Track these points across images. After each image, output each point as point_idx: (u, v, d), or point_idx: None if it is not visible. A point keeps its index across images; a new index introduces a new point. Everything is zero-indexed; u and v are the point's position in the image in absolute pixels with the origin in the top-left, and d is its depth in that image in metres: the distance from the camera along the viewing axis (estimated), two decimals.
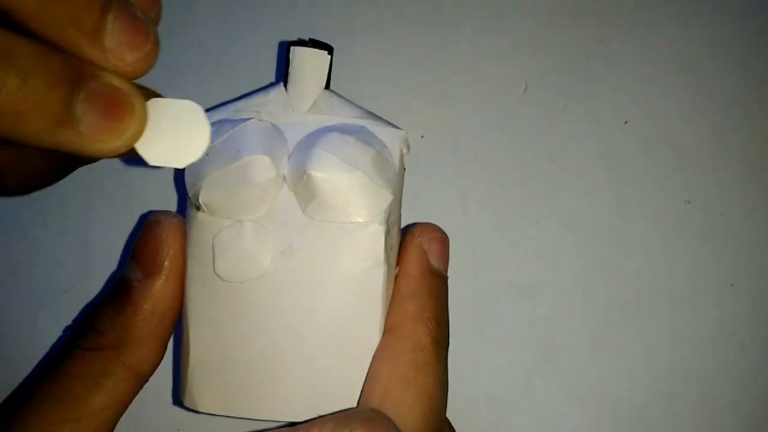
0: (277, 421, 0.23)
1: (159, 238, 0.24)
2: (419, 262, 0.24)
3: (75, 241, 0.32)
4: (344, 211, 0.23)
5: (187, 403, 0.24)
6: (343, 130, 0.24)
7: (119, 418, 0.24)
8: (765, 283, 0.31)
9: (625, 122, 0.33)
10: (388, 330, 0.23)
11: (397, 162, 0.24)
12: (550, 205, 0.32)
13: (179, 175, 0.32)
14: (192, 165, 0.23)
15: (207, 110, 0.25)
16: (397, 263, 0.24)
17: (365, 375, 0.23)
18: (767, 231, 0.32)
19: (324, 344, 0.23)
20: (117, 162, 0.33)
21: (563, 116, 0.33)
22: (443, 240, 0.25)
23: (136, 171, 0.33)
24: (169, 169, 0.31)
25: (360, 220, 0.23)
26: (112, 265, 0.32)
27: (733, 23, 0.33)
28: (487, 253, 0.32)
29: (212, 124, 0.24)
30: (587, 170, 0.32)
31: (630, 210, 0.32)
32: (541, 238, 0.32)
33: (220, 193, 0.23)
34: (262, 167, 0.23)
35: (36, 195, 0.32)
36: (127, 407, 0.24)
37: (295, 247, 0.23)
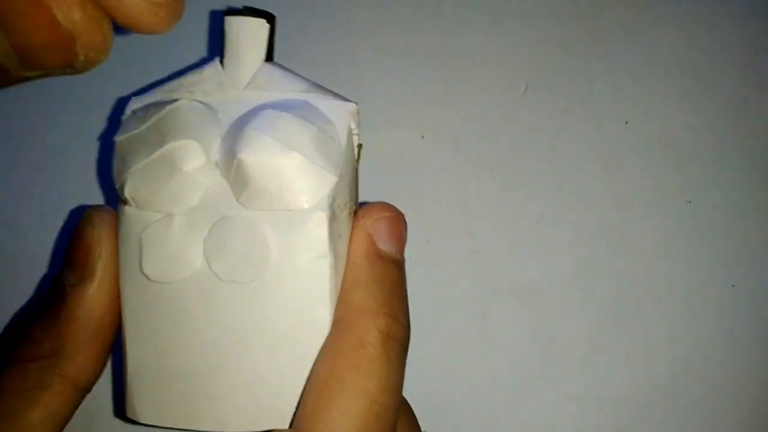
0: None
1: (90, 238, 0.22)
2: (364, 246, 0.22)
3: None
4: (281, 197, 0.20)
5: (129, 414, 0.22)
6: (281, 106, 0.21)
7: (63, 427, 0.22)
8: (765, 284, 0.31)
9: (626, 123, 0.33)
10: (333, 324, 0.21)
11: (344, 140, 0.21)
12: (550, 205, 0.32)
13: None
14: (118, 155, 0.21)
15: (138, 92, 0.23)
16: (348, 248, 0.22)
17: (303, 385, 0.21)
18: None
19: (267, 348, 0.21)
20: None
21: (563, 117, 0.33)
22: (392, 219, 0.22)
23: None
24: None
25: (299, 207, 0.20)
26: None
27: (734, 24, 0.33)
28: (487, 253, 0.32)
29: (141, 108, 0.22)
30: (587, 171, 0.32)
31: (630, 210, 0.32)
32: (542, 239, 0.32)
33: (145, 184, 0.21)
34: (189, 153, 0.20)
35: (37, 194, 0.33)
36: (67, 420, 0.22)
37: None
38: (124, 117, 0.23)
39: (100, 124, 0.33)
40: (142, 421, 0.22)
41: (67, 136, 0.33)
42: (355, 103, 0.22)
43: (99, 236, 0.22)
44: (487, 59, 0.33)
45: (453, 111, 0.33)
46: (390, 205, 0.23)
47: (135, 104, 0.23)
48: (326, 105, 0.22)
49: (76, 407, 0.23)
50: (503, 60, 0.33)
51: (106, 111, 0.33)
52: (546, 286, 0.31)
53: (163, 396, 0.22)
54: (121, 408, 0.23)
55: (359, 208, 0.23)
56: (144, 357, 0.22)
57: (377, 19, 0.34)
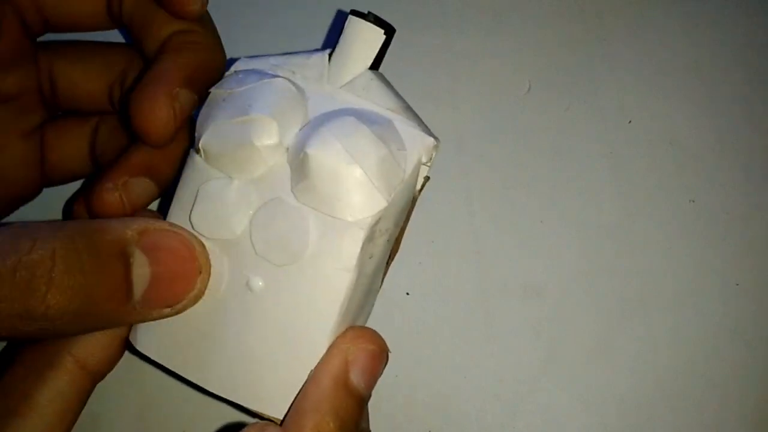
0: (203, 390, 0.22)
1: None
2: (336, 371, 0.21)
3: None
4: (331, 203, 0.21)
5: (130, 339, 0.23)
6: (364, 118, 0.22)
7: (74, 418, 0.23)
8: None
9: (629, 122, 0.33)
10: None
11: (409, 169, 0.22)
12: (554, 204, 0.32)
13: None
14: (208, 106, 0.23)
15: (247, 57, 0.24)
16: (318, 364, 0.21)
17: (299, 385, 0.21)
18: None
19: (270, 332, 0.22)
20: None
21: (567, 116, 0.33)
22: (375, 355, 0.22)
23: None
24: None
25: (344, 218, 0.21)
26: None
27: (737, 23, 0.33)
28: (492, 253, 0.31)
29: (244, 71, 0.23)
30: (591, 170, 0.32)
31: (634, 209, 0.32)
32: (546, 238, 0.32)
33: (219, 143, 0.22)
34: (266, 130, 0.21)
35: (40, 196, 0.33)
36: (77, 405, 0.23)
37: None
38: (227, 73, 0.24)
39: None
40: (139, 349, 0.23)
41: None
42: (436, 138, 0.23)
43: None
44: (491, 59, 0.33)
45: (457, 110, 0.33)
46: (378, 337, 0.22)
47: (241, 65, 0.24)
48: (407, 131, 0.22)
49: (86, 394, 0.23)
50: (507, 60, 0.33)
51: None
52: (550, 286, 0.31)
53: (167, 338, 0.23)
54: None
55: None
56: None
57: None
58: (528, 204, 0.32)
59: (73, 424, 0.23)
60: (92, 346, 0.23)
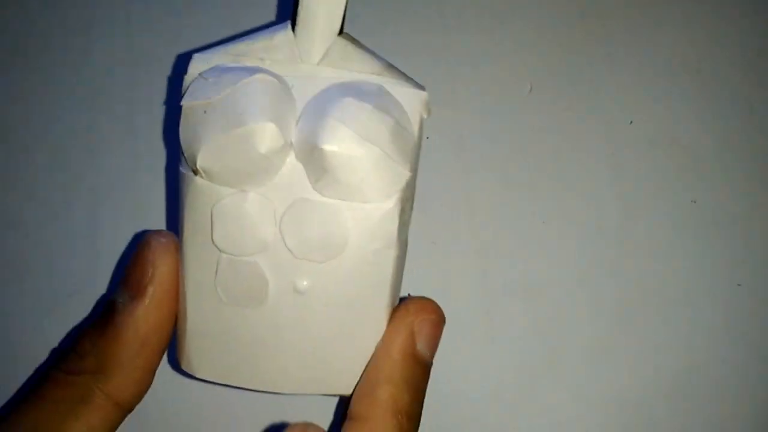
0: (272, 393, 0.23)
1: (146, 259, 0.23)
2: (404, 344, 0.22)
3: (81, 244, 0.32)
4: (358, 189, 0.21)
5: (184, 367, 0.23)
6: (359, 93, 0.21)
7: None
8: None
9: (630, 122, 0.33)
10: (355, 418, 0.22)
11: (416, 130, 0.22)
12: (556, 205, 0.32)
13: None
14: (188, 121, 0.21)
15: (201, 49, 0.23)
16: (383, 338, 0.22)
17: (366, 362, 0.22)
18: None
19: (326, 323, 0.22)
20: (124, 165, 0.33)
21: (568, 117, 0.33)
22: (437, 323, 0.23)
23: (144, 175, 0.33)
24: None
25: (374, 201, 0.21)
26: (117, 268, 0.32)
27: (738, 23, 0.33)
28: (493, 253, 0.31)
29: (210, 71, 0.22)
30: (593, 170, 0.32)
31: (636, 210, 0.32)
32: (547, 238, 0.32)
33: (220, 159, 0.21)
34: (268, 136, 0.20)
35: (42, 197, 0.33)
36: None
37: None
38: (188, 77, 0.22)
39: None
40: (197, 376, 0.23)
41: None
42: (424, 89, 0.22)
43: (154, 257, 0.23)
44: (492, 59, 0.33)
45: (457, 111, 0.33)
46: (437, 307, 0.23)
47: (200, 65, 0.22)
48: (400, 92, 0.22)
49: (116, 427, 0.23)
50: (508, 60, 0.33)
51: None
52: (551, 286, 0.31)
53: (220, 355, 0.23)
54: (175, 359, 0.24)
55: (407, 300, 0.24)
56: (204, 317, 0.23)
57: (380, 18, 0.34)
58: (529, 204, 0.32)
59: None
60: (124, 381, 0.23)
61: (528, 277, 0.31)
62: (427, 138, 0.32)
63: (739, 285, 0.31)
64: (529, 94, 0.33)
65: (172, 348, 0.24)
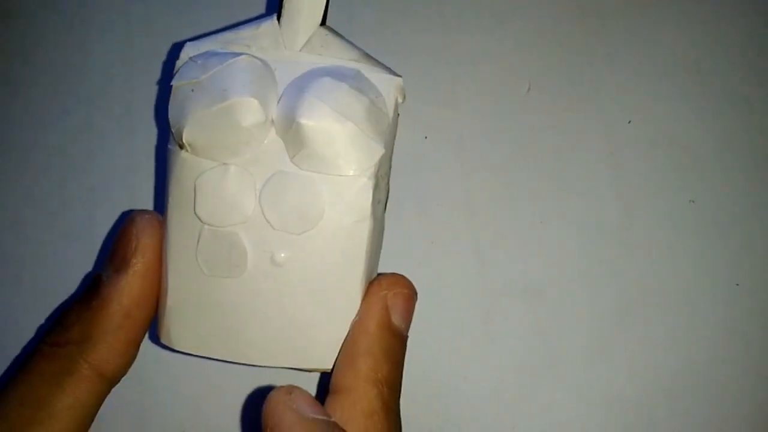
0: (251, 365, 0.23)
1: (130, 233, 0.23)
2: (379, 317, 0.23)
3: (80, 242, 0.32)
4: (333, 163, 0.22)
5: (163, 341, 0.24)
6: (337, 74, 0.22)
7: (89, 423, 0.23)
8: None
9: (629, 122, 0.33)
10: (337, 390, 0.22)
11: (390, 112, 0.23)
12: (554, 205, 0.32)
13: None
14: (176, 99, 0.23)
15: (193, 39, 0.24)
16: (360, 312, 0.23)
17: (343, 336, 0.23)
18: None
19: (303, 295, 0.23)
20: (121, 164, 0.33)
21: (567, 116, 0.33)
22: (409, 296, 0.24)
23: (143, 175, 0.33)
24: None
25: (349, 174, 0.22)
26: None
27: (737, 22, 0.33)
28: (492, 253, 0.31)
29: (199, 56, 0.23)
30: (591, 170, 0.32)
31: (634, 209, 0.32)
32: (546, 238, 0.32)
33: (204, 133, 0.22)
34: (249, 110, 0.22)
35: (41, 197, 0.33)
36: (94, 410, 0.23)
37: None
38: (179, 62, 0.24)
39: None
40: (176, 348, 0.24)
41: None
42: (401, 76, 0.24)
43: (137, 232, 0.23)
44: (491, 59, 0.33)
45: (456, 111, 0.33)
46: (408, 281, 0.24)
47: (191, 50, 0.24)
48: (376, 77, 0.23)
49: (101, 399, 0.23)
50: (507, 60, 0.33)
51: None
52: (550, 286, 0.31)
53: (200, 328, 0.23)
54: (155, 333, 0.24)
55: (379, 275, 0.24)
56: (185, 290, 0.23)
57: (379, 18, 0.34)
58: (528, 204, 0.32)
59: (89, 429, 0.23)
60: (108, 352, 0.23)
61: (528, 277, 0.31)
62: (426, 138, 0.32)
63: (737, 285, 0.31)
64: (528, 94, 0.33)
65: (153, 325, 0.25)
